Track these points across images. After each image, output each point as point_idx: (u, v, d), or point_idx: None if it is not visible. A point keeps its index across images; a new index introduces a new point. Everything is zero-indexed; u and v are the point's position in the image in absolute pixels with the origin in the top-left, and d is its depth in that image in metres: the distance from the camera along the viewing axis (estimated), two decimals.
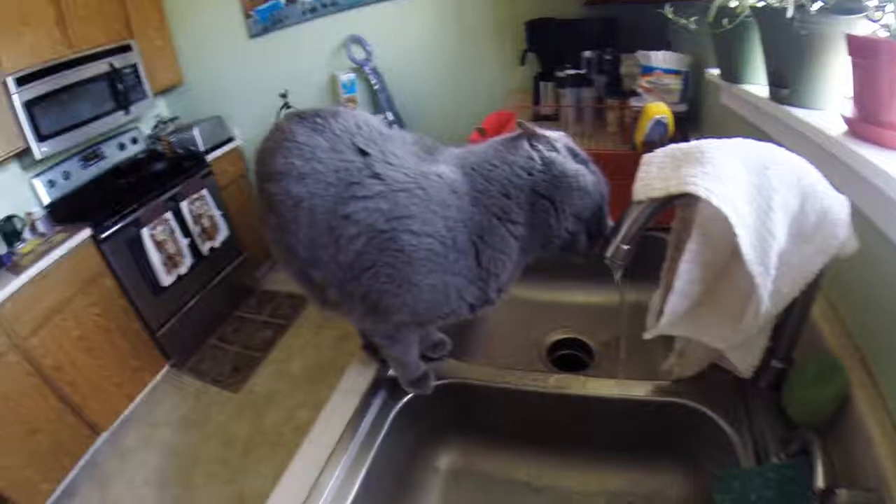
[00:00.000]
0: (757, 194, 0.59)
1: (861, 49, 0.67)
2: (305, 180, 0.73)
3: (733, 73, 1.09)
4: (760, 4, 0.85)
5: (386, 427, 0.90)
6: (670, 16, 1.04)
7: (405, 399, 0.93)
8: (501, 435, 1.01)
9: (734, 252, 0.68)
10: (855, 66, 0.68)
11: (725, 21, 0.96)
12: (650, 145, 1.25)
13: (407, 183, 0.71)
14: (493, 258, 0.74)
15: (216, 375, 2.78)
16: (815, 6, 0.73)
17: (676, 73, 1.55)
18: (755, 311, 0.64)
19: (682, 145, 0.65)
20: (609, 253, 0.69)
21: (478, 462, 1.01)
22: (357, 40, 2.78)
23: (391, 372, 0.96)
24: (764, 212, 0.59)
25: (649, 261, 1.23)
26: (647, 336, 0.76)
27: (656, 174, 0.64)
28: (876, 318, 0.69)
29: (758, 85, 1.05)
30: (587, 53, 2.13)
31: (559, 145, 0.76)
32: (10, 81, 2.27)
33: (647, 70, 1.62)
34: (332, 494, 0.78)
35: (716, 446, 0.80)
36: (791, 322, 0.72)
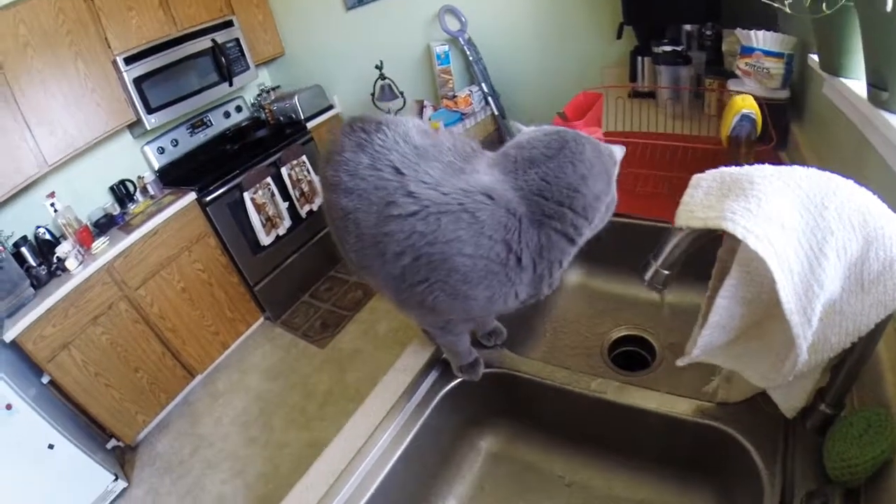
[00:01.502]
0: (809, 236, 0.54)
1: None
2: (351, 195, 0.76)
3: (832, 64, 0.98)
4: None
5: (433, 406, 0.96)
6: None
7: (454, 382, 0.98)
8: (543, 427, 1.03)
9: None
10: None
11: (824, 5, 0.86)
12: (736, 141, 1.17)
13: (447, 205, 0.69)
14: (550, 266, 0.74)
15: (306, 330, 2.98)
16: None
17: (779, 55, 1.41)
18: (794, 359, 0.59)
19: (733, 170, 0.60)
20: (648, 276, 0.67)
21: (517, 449, 1.04)
22: (451, 10, 2.76)
23: (445, 355, 1.00)
24: (815, 257, 0.54)
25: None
26: (680, 363, 0.73)
27: (701, 200, 0.60)
28: None
29: (856, 80, 0.94)
30: (687, 27, 1.98)
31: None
32: (120, 61, 2.55)
33: (747, 51, 1.48)
34: (375, 460, 0.88)
35: (746, 478, 0.76)
36: (847, 367, 0.64)
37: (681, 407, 0.84)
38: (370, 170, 0.75)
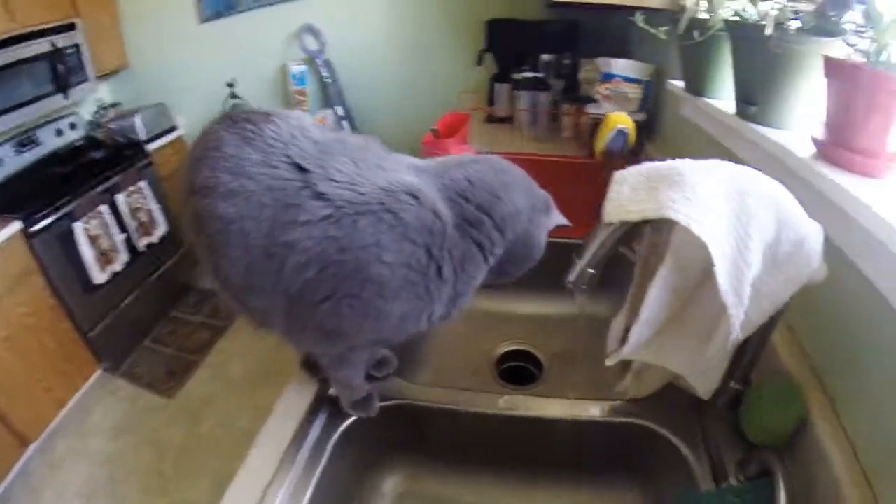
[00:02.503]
0: (736, 221, 0.57)
1: (838, 72, 0.66)
2: (234, 198, 0.63)
3: (699, 86, 1.08)
4: (735, 19, 0.84)
5: (328, 452, 0.83)
6: (641, 24, 1.02)
7: (348, 422, 0.86)
8: (449, 457, 0.96)
9: (704, 277, 0.66)
10: (830, 88, 0.67)
11: (696, 34, 0.94)
12: (610, 155, 1.24)
13: (367, 204, 0.62)
14: (466, 282, 0.69)
15: (151, 380, 2.62)
16: (794, 26, 0.72)
17: (637, 82, 1.55)
18: (724, 339, 0.62)
19: (658, 165, 0.62)
20: (572, 277, 0.65)
21: (425, 485, 0.96)
22: (311, 30, 2.68)
23: (332, 391, 0.88)
24: (742, 240, 0.57)
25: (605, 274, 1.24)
26: (609, 363, 0.74)
27: (629, 196, 0.61)
28: (833, 339, 0.69)
29: (721, 100, 1.05)
30: (545, 57, 2.11)
31: None
32: None
33: (608, 77, 1.61)
34: None
35: (673, 467, 0.78)
36: (751, 345, 0.71)
37: (594, 410, 0.85)
38: (261, 167, 0.64)
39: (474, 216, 0.67)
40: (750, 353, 0.71)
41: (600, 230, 0.62)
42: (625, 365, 0.86)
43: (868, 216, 0.58)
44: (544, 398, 0.88)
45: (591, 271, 0.64)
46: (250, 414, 2.31)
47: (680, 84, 1.23)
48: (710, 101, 1.06)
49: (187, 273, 3.17)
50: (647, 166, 0.62)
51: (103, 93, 3.11)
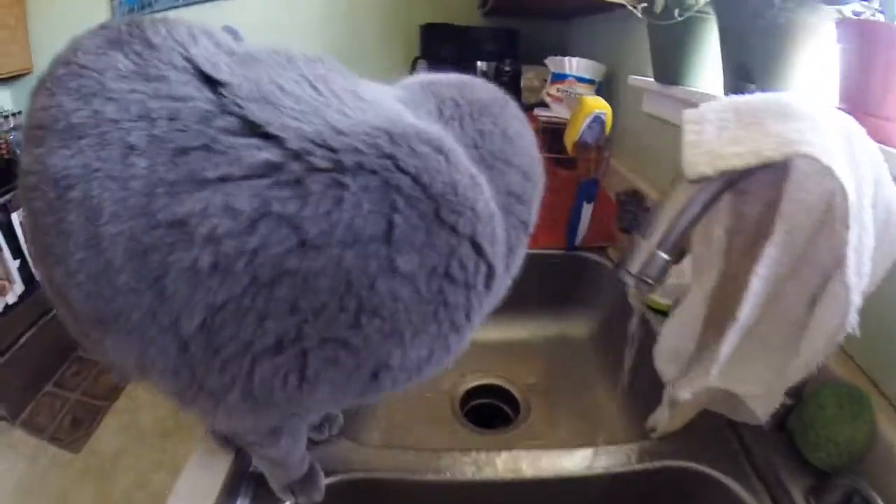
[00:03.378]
0: (852, 173, 0.43)
1: (855, 34, 0.63)
2: (79, 141, 0.34)
3: (674, 74, 1.05)
4: None
5: None
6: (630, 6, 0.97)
7: None
8: None
9: (797, 264, 0.50)
10: (845, 54, 0.65)
11: (676, 12, 0.91)
12: (583, 147, 1.17)
13: (357, 154, 0.34)
14: (504, 286, 0.49)
15: (54, 431, 2.29)
16: None
17: (590, 82, 1.53)
18: (824, 341, 0.47)
19: (743, 97, 0.46)
20: (636, 266, 0.48)
21: None
22: (231, 32, 2.48)
23: (255, 465, 0.63)
24: (858, 198, 0.42)
25: (573, 283, 1.15)
26: (685, 396, 0.56)
27: (719, 136, 0.44)
28: (878, 333, 0.61)
29: (695, 89, 1.02)
30: (483, 65, 2.08)
31: None
32: None
33: (559, 77, 1.58)
34: None
35: None
36: None
37: (617, 458, 0.66)
38: (135, 81, 0.36)
39: (511, 176, 0.45)
40: None
41: (679, 191, 0.46)
42: (611, 388, 0.73)
43: None
44: (537, 451, 0.67)
45: (665, 257, 0.47)
46: (167, 471, 2.07)
47: (645, 79, 1.21)
48: (689, 88, 1.03)
49: None
50: (726, 100, 0.47)
51: (4, 100, 2.79)
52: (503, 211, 0.42)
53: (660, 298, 0.92)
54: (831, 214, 0.47)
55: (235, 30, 2.51)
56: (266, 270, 0.33)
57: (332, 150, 0.34)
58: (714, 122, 0.45)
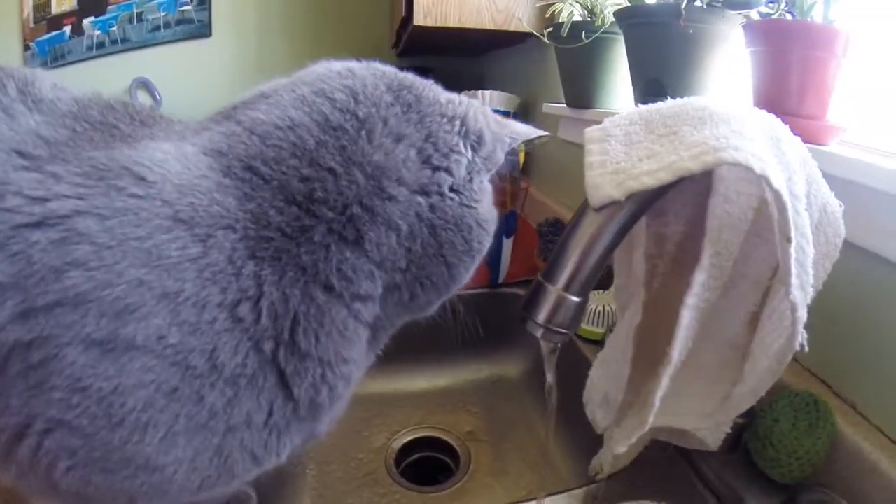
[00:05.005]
0: (783, 176, 0.38)
1: (768, 36, 0.61)
2: None
3: (586, 98, 1.04)
4: (626, 6, 0.80)
5: None
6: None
7: None
8: None
9: (729, 281, 0.46)
10: (756, 57, 0.63)
11: (584, 34, 0.90)
12: (500, 178, 1.14)
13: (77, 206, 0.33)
14: (344, 343, 0.41)
15: None
16: (704, 2, 0.68)
17: (505, 113, 1.52)
18: (771, 362, 0.42)
19: (655, 106, 0.42)
20: (542, 316, 0.41)
21: None
22: (144, 84, 2.37)
23: None
24: (793, 200, 0.38)
25: (501, 321, 1.08)
26: (621, 449, 0.50)
27: (628, 153, 0.39)
28: (830, 334, 0.58)
29: (607, 110, 1.01)
30: None
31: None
32: None
33: None
34: None
35: None
36: None
37: None
38: None
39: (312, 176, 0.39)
40: None
41: (585, 223, 0.40)
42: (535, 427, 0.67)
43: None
44: None
45: (575, 299, 0.40)
46: None
47: (559, 105, 1.19)
48: (601, 110, 1.01)
49: None
50: (633, 111, 0.43)
51: None
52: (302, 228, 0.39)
53: (591, 327, 0.87)
54: (761, 223, 0.44)
55: (149, 81, 2.36)
56: None
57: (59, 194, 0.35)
58: (620, 137, 0.40)
